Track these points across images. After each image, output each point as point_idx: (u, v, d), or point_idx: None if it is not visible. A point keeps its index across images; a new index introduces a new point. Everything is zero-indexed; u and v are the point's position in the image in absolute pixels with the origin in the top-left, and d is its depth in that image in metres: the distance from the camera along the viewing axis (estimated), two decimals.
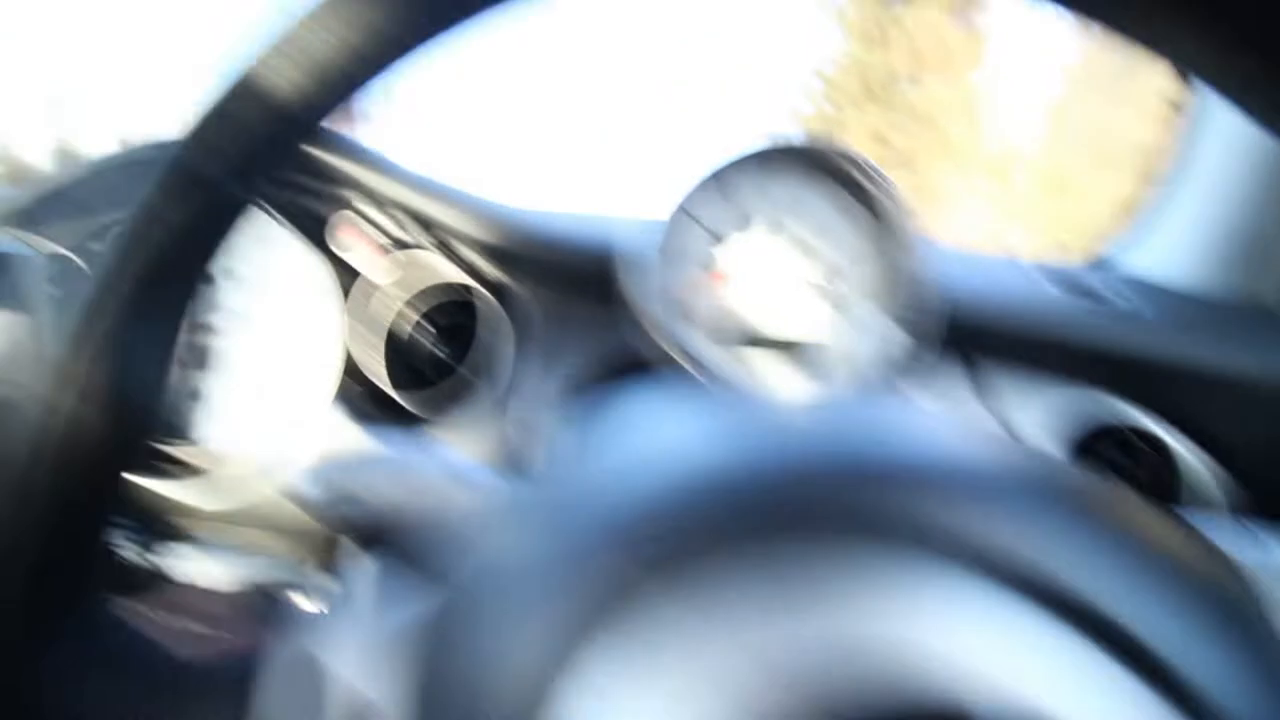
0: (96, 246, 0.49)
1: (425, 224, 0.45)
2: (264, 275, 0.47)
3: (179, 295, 0.18)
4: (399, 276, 0.45)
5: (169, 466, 0.47)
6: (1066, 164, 6.11)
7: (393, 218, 0.44)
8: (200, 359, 0.47)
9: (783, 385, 0.39)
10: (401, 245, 0.44)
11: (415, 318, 0.46)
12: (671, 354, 0.37)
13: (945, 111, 6.64)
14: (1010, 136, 7.15)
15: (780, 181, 0.39)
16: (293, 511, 0.44)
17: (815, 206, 0.39)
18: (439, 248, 0.45)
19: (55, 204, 0.49)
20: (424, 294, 0.46)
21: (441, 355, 0.46)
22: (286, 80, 0.16)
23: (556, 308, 0.44)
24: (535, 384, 0.42)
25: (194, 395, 0.47)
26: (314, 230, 0.46)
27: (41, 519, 0.17)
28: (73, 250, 0.42)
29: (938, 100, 6.71)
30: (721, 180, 0.39)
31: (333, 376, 0.45)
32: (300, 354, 0.46)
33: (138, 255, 0.17)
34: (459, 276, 0.45)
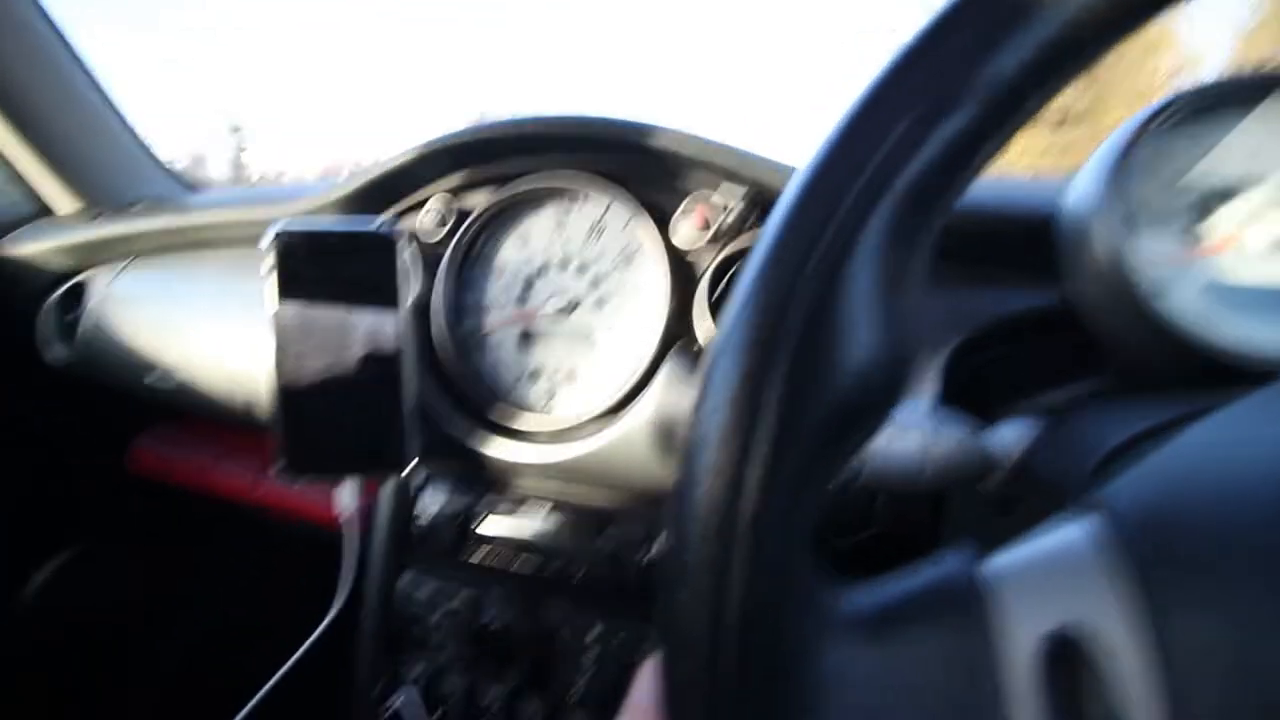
0: (414, 223, 0.53)
1: (768, 201, 0.44)
2: (603, 261, 0.50)
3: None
4: (732, 253, 0.45)
5: (512, 431, 0.50)
6: None
7: (737, 201, 0.44)
8: (540, 339, 0.51)
9: None
10: (739, 226, 0.44)
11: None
12: (1133, 330, 0.30)
13: None
14: None
15: (1267, 122, 0.30)
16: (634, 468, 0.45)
17: None
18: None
19: (378, 188, 0.53)
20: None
21: None
22: None
23: (942, 275, 0.40)
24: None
25: (535, 374, 0.51)
26: (655, 216, 0.47)
27: None
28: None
29: None
30: (1196, 126, 0.30)
31: (658, 351, 0.45)
32: (635, 333, 0.48)
33: None
34: None
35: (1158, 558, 0.14)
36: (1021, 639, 0.15)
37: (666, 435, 0.44)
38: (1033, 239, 0.36)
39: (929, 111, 0.15)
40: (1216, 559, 0.13)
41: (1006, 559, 0.17)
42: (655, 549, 0.46)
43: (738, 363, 0.16)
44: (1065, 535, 0.16)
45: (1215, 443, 0.17)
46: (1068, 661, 0.14)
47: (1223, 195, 0.31)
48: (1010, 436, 0.31)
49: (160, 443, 0.76)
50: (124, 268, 0.71)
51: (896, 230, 0.16)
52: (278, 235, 0.43)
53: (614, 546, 0.46)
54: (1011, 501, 0.32)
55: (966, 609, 0.16)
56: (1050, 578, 0.16)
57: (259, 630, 0.62)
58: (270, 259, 0.43)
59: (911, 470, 0.27)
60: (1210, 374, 0.29)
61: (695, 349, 0.46)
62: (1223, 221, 0.31)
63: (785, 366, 0.15)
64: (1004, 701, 0.14)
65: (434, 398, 0.50)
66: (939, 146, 0.15)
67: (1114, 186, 0.30)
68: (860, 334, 0.16)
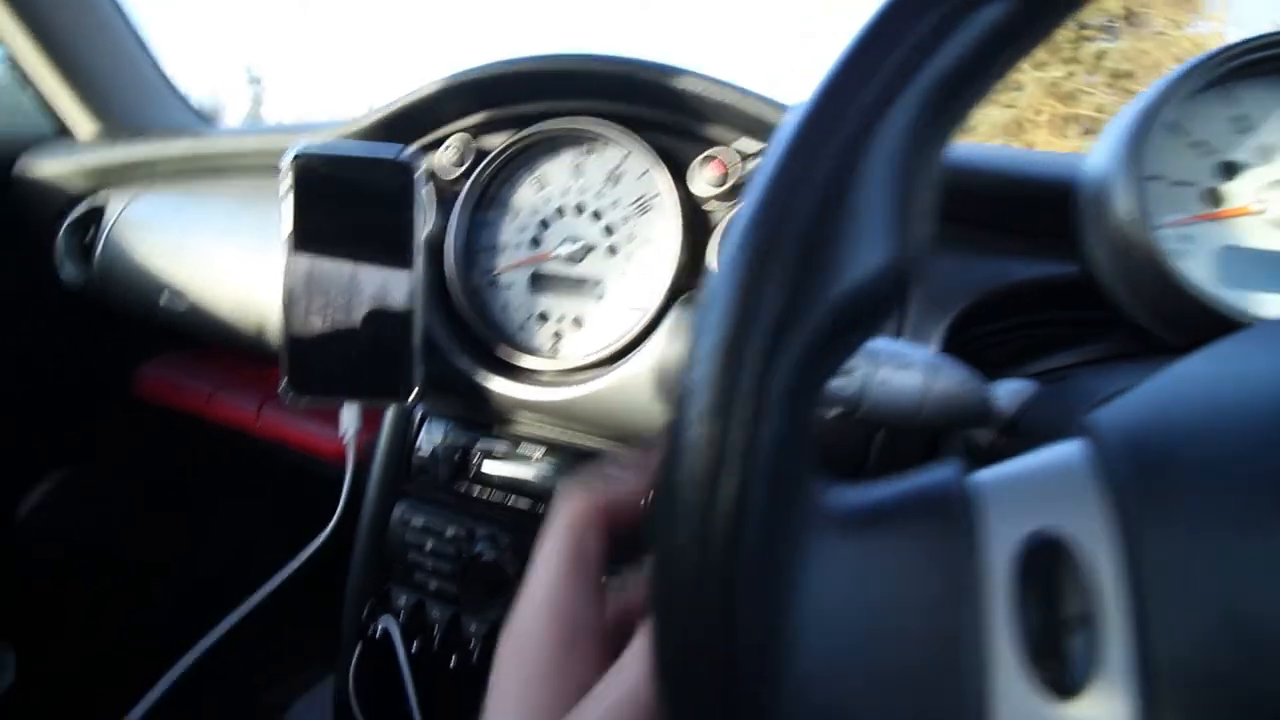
0: (432, 160, 0.53)
1: None
2: (619, 209, 0.49)
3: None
4: None
5: (515, 370, 0.50)
6: None
7: (752, 150, 0.43)
8: (550, 283, 0.51)
9: None
10: None
11: None
12: (1149, 292, 0.30)
13: None
14: None
15: None
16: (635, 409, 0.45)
17: None
18: None
19: (398, 121, 0.53)
20: None
21: None
22: None
23: (947, 239, 0.40)
24: (924, 318, 0.40)
25: (543, 317, 0.51)
26: (673, 165, 0.47)
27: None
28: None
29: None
30: (1227, 90, 0.30)
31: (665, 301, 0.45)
32: (645, 282, 0.48)
33: None
34: None
35: (1138, 475, 0.14)
36: (1001, 538, 0.15)
37: (664, 381, 0.44)
38: (1050, 208, 0.36)
39: (959, 5, 0.15)
40: (1195, 480, 0.14)
41: (992, 472, 0.17)
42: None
43: (746, 243, 0.16)
44: (1051, 454, 0.17)
45: (1204, 373, 0.17)
46: (1045, 561, 0.15)
47: (1246, 161, 0.30)
48: (1008, 393, 0.31)
49: (167, 369, 0.77)
50: (141, 192, 0.72)
51: (918, 126, 0.16)
52: (297, 156, 0.43)
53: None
54: (1001, 455, 0.32)
55: (950, 511, 0.16)
56: (1033, 487, 0.16)
57: (255, 556, 0.63)
58: (288, 179, 0.43)
59: (911, 405, 0.27)
60: (1221, 336, 0.29)
61: None
62: (1244, 186, 0.30)
63: (794, 252, 0.15)
64: (981, 595, 0.15)
65: (441, 333, 0.50)
66: (968, 39, 0.15)
67: (1135, 148, 0.29)
68: (872, 230, 0.16)
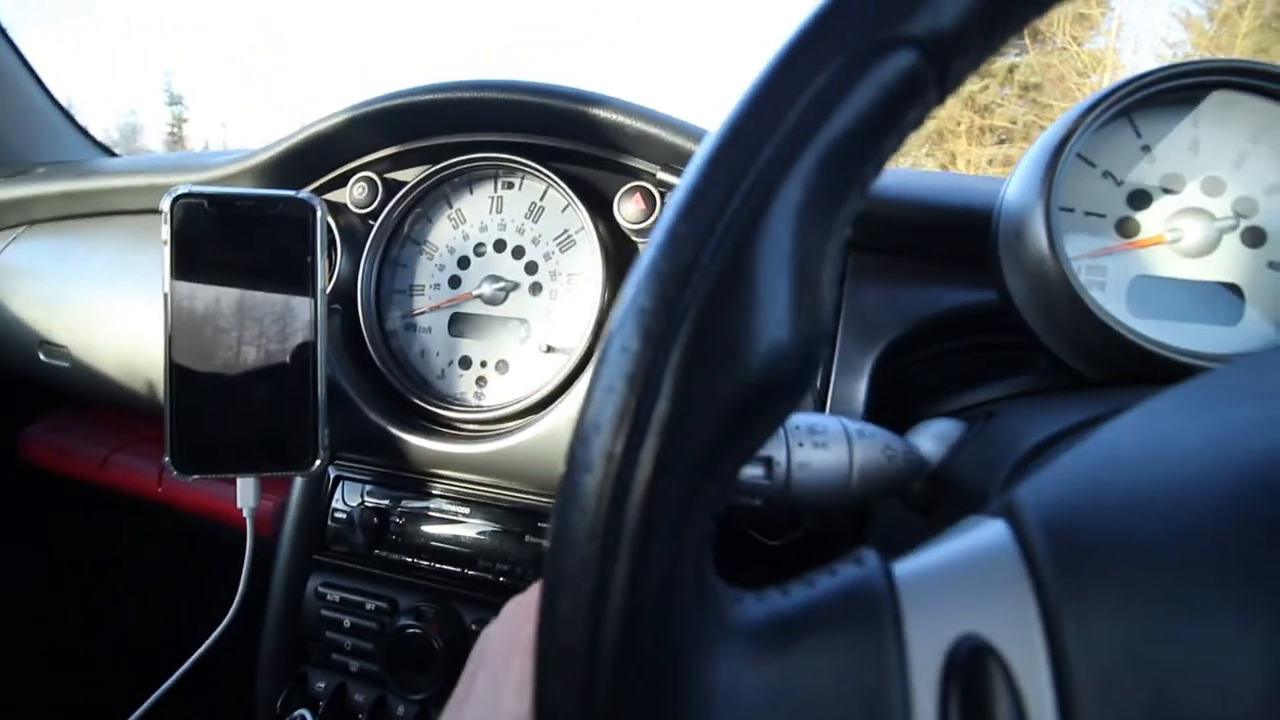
0: (339, 198, 0.50)
1: None
2: (541, 244, 0.47)
3: None
4: None
5: (437, 422, 0.47)
6: None
7: (676, 182, 0.41)
8: (472, 325, 0.48)
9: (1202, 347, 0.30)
10: None
11: None
12: (1065, 324, 0.30)
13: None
14: None
15: (1208, 119, 0.30)
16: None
17: (1227, 134, 0.30)
18: None
19: (301, 156, 0.49)
20: None
21: None
22: None
23: (874, 269, 0.41)
24: (852, 349, 0.39)
25: (465, 362, 0.48)
26: (595, 199, 0.45)
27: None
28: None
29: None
30: (1132, 121, 0.30)
31: (591, 341, 0.43)
32: (570, 322, 0.46)
33: None
34: None
35: (1059, 563, 0.13)
36: (925, 648, 0.14)
37: None
38: (972, 235, 0.36)
39: (858, 57, 0.14)
40: (1117, 568, 0.13)
41: (911, 564, 0.16)
42: None
43: (635, 332, 0.14)
44: (972, 539, 0.16)
45: (1125, 443, 0.16)
46: (972, 670, 0.14)
47: (1155, 190, 0.31)
48: (934, 436, 0.31)
49: (54, 431, 0.70)
50: (16, 236, 0.65)
51: (818, 190, 0.14)
52: (178, 198, 0.39)
53: (539, 547, 0.44)
54: (932, 505, 0.31)
55: (869, 617, 0.15)
56: (953, 584, 0.15)
57: (160, 638, 0.56)
58: (168, 224, 0.39)
59: (838, 483, 0.25)
60: (1137, 369, 0.29)
61: None
62: (1156, 215, 0.30)
63: (686, 338, 0.13)
64: (909, 711, 0.13)
65: (352, 386, 0.46)
66: (869, 96, 0.14)
67: (1048, 178, 0.29)
68: (773, 305, 0.14)
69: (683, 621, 0.14)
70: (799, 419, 0.27)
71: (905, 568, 0.16)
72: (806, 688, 0.14)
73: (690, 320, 0.13)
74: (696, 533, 0.14)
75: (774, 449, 0.26)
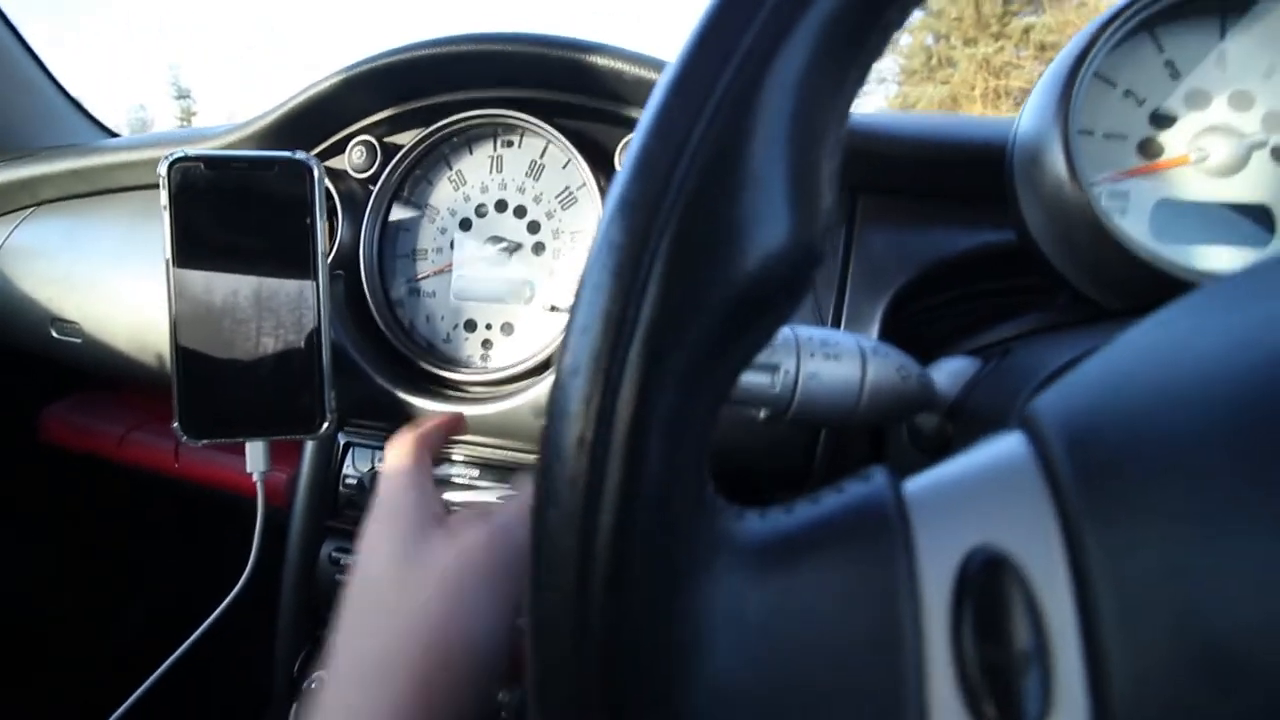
0: (337, 164, 0.49)
1: None
2: (542, 203, 0.46)
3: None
4: None
5: (444, 386, 0.47)
6: None
7: None
8: (475, 286, 0.47)
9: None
10: None
11: None
12: (1086, 252, 0.29)
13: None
14: None
15: (1236, 30, 0.28)
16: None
17: (1256, 45, 0.28)
18: None
19: (298, 121, 0.49)
20: None
21: None
22: None
23: (881, 213, 0.39)
24: (861, 297, 0.38)
25: (470, 325, 0.48)
26: (596, 153, 0.44)
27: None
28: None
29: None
30: (1154, 35, 0.28)
31: None
32: (577, 275, 0.45)
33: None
34: None
35: (1081, 473, 0.13)
36: (937, 561, 0.13)
37: None
38: (984, 173, 0.35)
39: None
40: (1144, 476, 0.12)
41: (922, 480, 0.15)
42: None
43: (621, 227, 0.13)
44: (986, 452, 0.15)
45: (1151, 347, 0.15)
46: (986, 582, 0.13)
47: (1178, 109, 0.29)
48: (950, 373, 0.30)
49: (72, 410, 0.71)
50: (25, 217, 0.65)
51: (820, 57, 0.13)
52: (174, 162, 0.39)
53: None
54: (945, 444, 0.30)
55: (876, 532, 0.14)
56: (966, 495, 0.14)
57: (180, 607, 0.58)
58: (165, 189, 0.39)
59: (847, 400, 0.25)
60: (1162, 297, 0.28)
61: None
62: (1179, 135, 0.29)
63: (672, 233, 0.13)
64: (920, 628, 0.13)
65: (358, 351, 0.46)
66: None
67: (1065, 100, 0.28)
68: (770, 191, 0.13)
69: (680, 538, 0.14)
70: (811, 330, 0.26)
71: (916, 483, 0.15)
72: (812, 606, 0.14)
73: (680, 207, 0.13)
74: (693, 443, 0.13)
75: (783, 356, 0.25)
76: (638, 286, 0.12)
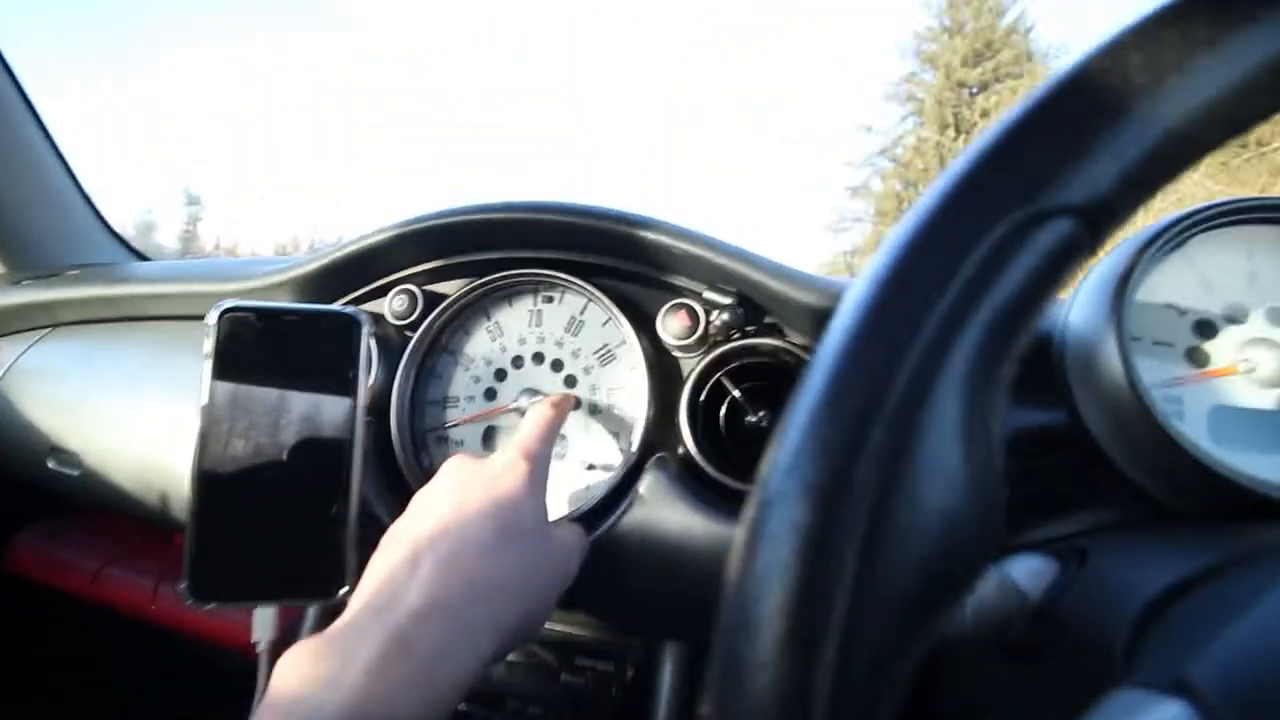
0: (376, 308, 0.50)
1: (760, 304, 0.43)
2: (580, 358, 0.47)
3: None
4: (719, 356, 0.43)
5: None
6: None
7: (722, 302, 0.42)
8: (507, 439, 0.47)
9: None
10: (729, 329, 0.42)
11: (735, 394, 0.43)
12: (1149, 456, 0.29)
13: None
14: None
15: (1262, 252, 0.31)
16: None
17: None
18: (770, 330, 0.43)
19: (341, 270, 0.50)
20: (744, 370, 0.43)
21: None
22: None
23: None
24: None
25: None
26: (637, 314, 0.45)
27: None
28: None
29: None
30: (1188, 253, 0.31)
31: (637, 459, 0.42)
32: (612, 438, 0.45)
33: None
34: (792, 353, 0.42)
35: None
36: None
37: (643, 555, 0.40)
38: (1031, 356, 0.36)
39: (1019, 227, 0.13)
40: None
41: None
42: (625, 689, 0.40)
43: (800, 516, 0.12)
44: None
45: None
46: None
47: (1220, 319, 0.31)
48: (1028, 573, 0.29)
49: (45, 540, 0.66)
50: (40, 339, 0.64)
51: (982, 358, 0.13)
52: (225, 311, 0.39)
53: (581, 685, 0.40)
54: (1031, 650, 0.29)
55: None
56: None
57: None
58: (212, 338, 0.38)
59: (954, 620, 0.23)
60: (1225, 503, 0.28)
61: (678, 457, 0.43)
62: (1225, 344, 0.30)
63: (863, 522, 0.12)
64: None
65: (382, 503, 0.44)
66: (1031, 264, 0.13)
67: (1116, 312, 0.29)
68: (948, 477, 0.13)
69: None
70: None
71: None
72: None
73: (868, 497, 0.12)
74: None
75: None
76: (832, 575, 0.12)
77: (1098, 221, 0.14)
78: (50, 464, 0.57)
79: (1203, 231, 0.30)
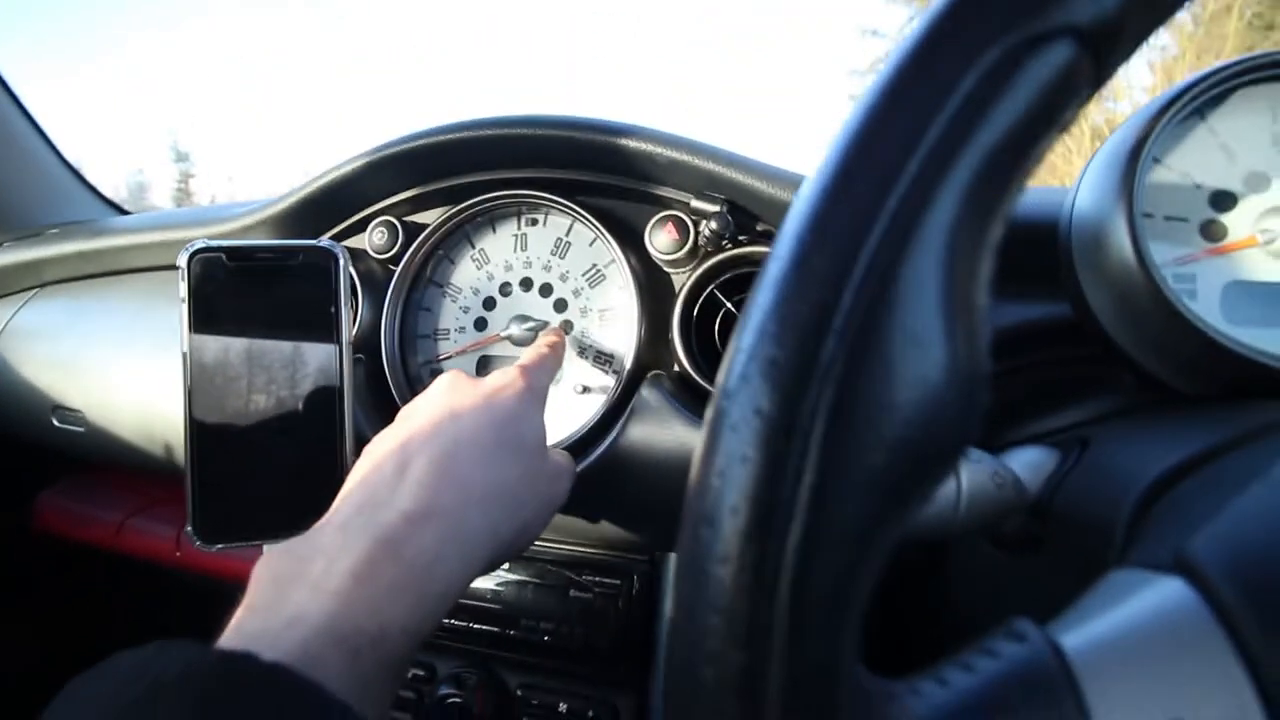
0: (357, 244, 0.48)
1: (751, 210, 0.40)
2: (569, 281, 0.45)
3: None
4: (711, 268, 0.41)
5: None
6: None
7: (711, 210, 0.40)
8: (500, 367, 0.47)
9: None
10: (720, 239, 0.40)
11: (729, 306, 0.42)
12: (1157, 337, 0.28)
13: None
14: None
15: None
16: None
17: None
18: (763, 238, 0.41)
19: (317, 204, 0.48)
20: (738, 281, 0.42)
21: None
22: None
23: None
24: None
25: None
26: (624, 231, 0.43)
27: None
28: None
29: None
30: (1206, 119, 0.28)
31: (630, 379, 0.41)
32: (605, 360, 0.44)
33: None
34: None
35: (1267, 631, 0.12)
36: None
37: (641, 473, 0.39)
38: (1032, 247, 0.34)
39: (1012, 52, 0.12)
40: None
41: (1081, 637, 0.14)
42: (631, 602, 0.41)
43: (766, 390, 0.11)
44: (1146, 603, 0.14)
45: None
46: None
47: (1238, 190, 0.29)
48: (1028, 465, 0.28)
49: (68, 497, 0.68)
50: (29, 299, 0.64)
51: (970, 207, 0.12)
52: (195, 253, 0.38)
53: (584, 602, 0.41)
54: (1033, 540, 0.28)
55: (1058, 702, 0.13)
56: (1140, 660, 0.13)
57: None
58: (185, 281, 0.37)
59: (945, 513, 0.23)
60: (1236, 381, 0.27)
61: (674, 375, 0.42)
62: (1242, 217, 0.28)
63: (832, 395, 0.11)
64: None
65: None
66: (1025, 97, 0.12)
67: (1128, 185, 0.27)
68: (927, 349, 0.12)
69: None
70: None
71: (1075, 642, 0.14)
72: None
73: (835, 373, 0.11)
74: (850, 629, 0.12)
75: None
76: (794, 460, 0.11)
77: (1103, 47, 0.12)
78: (55, 422, 0.57)
79: (1224, 91, 0.28)
